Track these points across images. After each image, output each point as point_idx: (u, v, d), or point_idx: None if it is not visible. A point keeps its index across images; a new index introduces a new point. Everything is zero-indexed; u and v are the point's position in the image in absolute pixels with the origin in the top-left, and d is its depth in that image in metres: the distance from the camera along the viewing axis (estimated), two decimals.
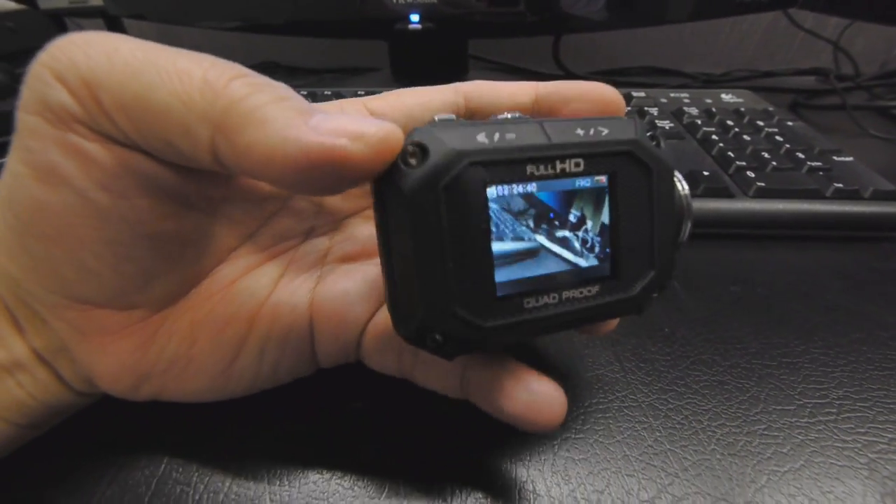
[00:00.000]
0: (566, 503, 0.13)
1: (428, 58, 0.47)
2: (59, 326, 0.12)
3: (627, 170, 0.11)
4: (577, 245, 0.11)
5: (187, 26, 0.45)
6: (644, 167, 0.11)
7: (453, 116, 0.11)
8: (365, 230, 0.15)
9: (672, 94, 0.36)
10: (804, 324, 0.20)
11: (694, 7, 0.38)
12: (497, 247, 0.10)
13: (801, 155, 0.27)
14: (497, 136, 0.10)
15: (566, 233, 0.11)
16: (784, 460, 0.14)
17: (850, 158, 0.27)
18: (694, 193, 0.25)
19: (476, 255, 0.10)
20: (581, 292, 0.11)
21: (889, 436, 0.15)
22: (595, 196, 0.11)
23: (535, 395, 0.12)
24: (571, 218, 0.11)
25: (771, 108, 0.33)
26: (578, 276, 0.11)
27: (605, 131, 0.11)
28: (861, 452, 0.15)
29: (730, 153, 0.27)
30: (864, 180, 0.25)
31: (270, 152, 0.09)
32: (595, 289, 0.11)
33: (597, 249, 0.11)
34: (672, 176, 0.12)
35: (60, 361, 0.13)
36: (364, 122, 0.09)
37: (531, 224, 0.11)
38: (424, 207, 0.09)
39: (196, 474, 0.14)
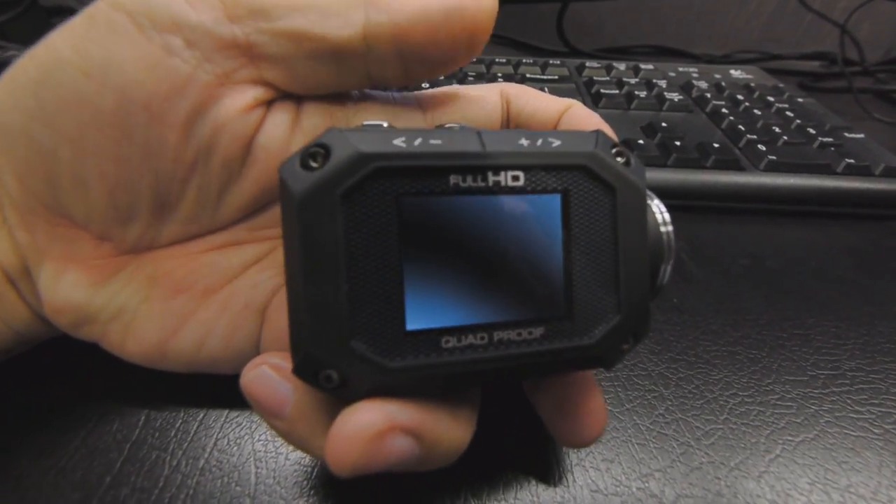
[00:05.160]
0: (575, 472, 0.12)
1: None
2: (22, 238, 0.11)
3: (583, 189, 0.09)
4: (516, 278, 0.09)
5: None
6: (605, 187, 0.09)
7: (384, 123, 0.09)
8: None
9: (681, 69, 0.35)
10: (815, 297, 0.19)
11: None
12: (410, 270, 0.08)
13: (812, 130, 0.27)
14: (419, 140, 0.08)
15: (504, 260, 0.09)
16: (798, 430, 0.14)
17: (862, 135, 0.27)
18: (704, 166, 0.24)
19: (381, 279, 0.08)
20: (519, 334, 0.09)
21: None
22: (542, 220, 0.09)
23: None
24: (511, 243, 0.09)
25: (781, 85, 0.32)
26: (516, 315, 0.09)
27: (557, 143, 0.09)
28: (876, 423, 0.14)
29: (740, 126, 0.26)
30: (875, 157, 0.25)
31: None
32: (539, 331, 0.09)
33: (543, 284, 0.09)
34: (643, 199, 0.10)
35: (24, 283, 0.12)
36: None
37: (457, 246, 0.09)
38: (317, 216, 0.08)
39: (174, 440, 0.13)
